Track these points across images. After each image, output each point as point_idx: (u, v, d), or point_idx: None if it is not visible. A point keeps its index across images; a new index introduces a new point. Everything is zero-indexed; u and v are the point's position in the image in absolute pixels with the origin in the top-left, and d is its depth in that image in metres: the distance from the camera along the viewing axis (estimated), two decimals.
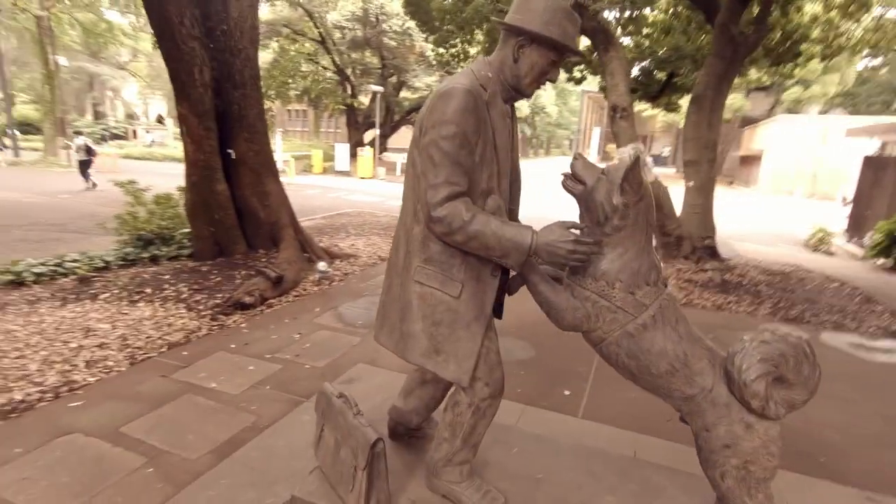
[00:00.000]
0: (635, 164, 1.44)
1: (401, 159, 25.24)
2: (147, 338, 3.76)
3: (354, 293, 5.19)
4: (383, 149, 27.23)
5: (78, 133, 14.68)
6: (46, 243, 6.99)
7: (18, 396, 2.92)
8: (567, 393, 3.31)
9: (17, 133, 13.20)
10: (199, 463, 2.44)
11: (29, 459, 2.40)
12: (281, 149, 19.73)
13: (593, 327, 1.53)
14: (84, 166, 12.82)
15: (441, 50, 12.88)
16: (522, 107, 22.86)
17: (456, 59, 13.49)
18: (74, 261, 5.24)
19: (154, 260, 5.53)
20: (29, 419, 2.75)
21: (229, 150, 5.53)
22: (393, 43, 19.83)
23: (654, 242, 1.55)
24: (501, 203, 1.55)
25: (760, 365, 1.34)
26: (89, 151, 12.90)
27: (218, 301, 4.47)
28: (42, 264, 5.06)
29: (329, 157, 21.22)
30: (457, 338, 1.55)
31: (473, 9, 6.77)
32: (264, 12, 21.65)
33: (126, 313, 4.17)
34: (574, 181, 1.55)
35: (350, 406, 1.77)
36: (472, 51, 12.93)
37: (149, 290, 4.66)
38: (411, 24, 16.00)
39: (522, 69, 1.50)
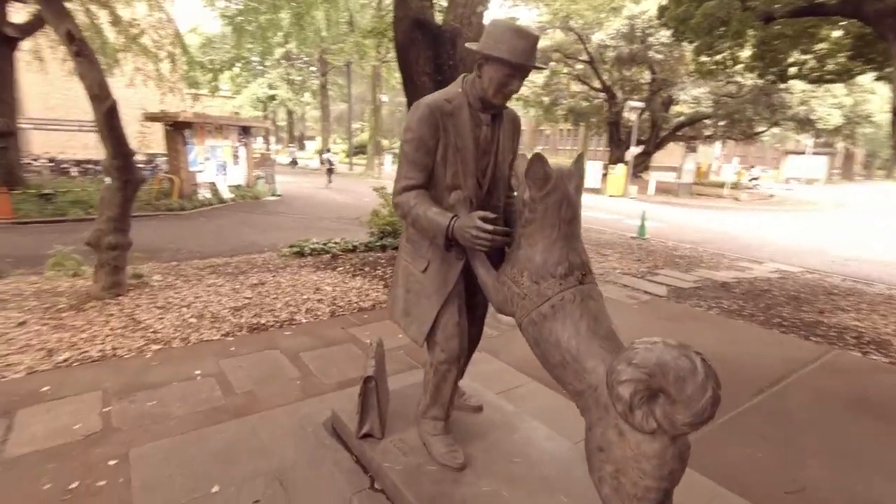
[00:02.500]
0: (534, 161, 1.51)
1: (662, 177, 23.51)
2: (348, 301, 5.01)
3: None
4: (645, 167, 25.82)
5: (327, 150, 22.23)
6: (338, 230, 9.58)
7: (263, 321, 4.44)
8: None
9: (332, 158, 19.94)
10: (327, 387, 3.33)
11: (247, 357, 3.73)
12: None
13: (511, 310, 1.64)
14: (329, 173, 19.73)
15: (704, 58, 11.71)
16: (833, 116, 18.24)
17: (720, 67, 12.03)
18: (336, 243, 7.18)
19: (383, 248, 7.07)
20: (261, 335, 4.17)
21: None
22: (660, 56, 18.72)
23: (574, 238, 1.53)
24: (463, 196, 1.81)
25: (631, 369, 1.24)
26: (330, 162, 19.84)
27: None
28: (317, 243, 7.13)
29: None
30: (420, 305, 1.89)
31: (702, 14, 6.16)
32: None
33: (346, 283, 5.60)
34: (516, 179, 1.69)
35: (374, 353, 2.28)
36: (744, 54, 11.34)
37: (367, 269, 6.09)
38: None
39: (485, 83, 1.74)
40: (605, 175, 20.56)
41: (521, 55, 1.67)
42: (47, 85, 16.14)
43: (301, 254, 6.87)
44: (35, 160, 15.08)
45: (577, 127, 35.15)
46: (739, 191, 21.58)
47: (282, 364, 3.65)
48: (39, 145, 17.80)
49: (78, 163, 15.57)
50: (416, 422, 2.11)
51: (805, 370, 3.88)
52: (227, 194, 13.66)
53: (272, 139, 36.91)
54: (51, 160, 15.51)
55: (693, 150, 20.99)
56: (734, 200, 20.03)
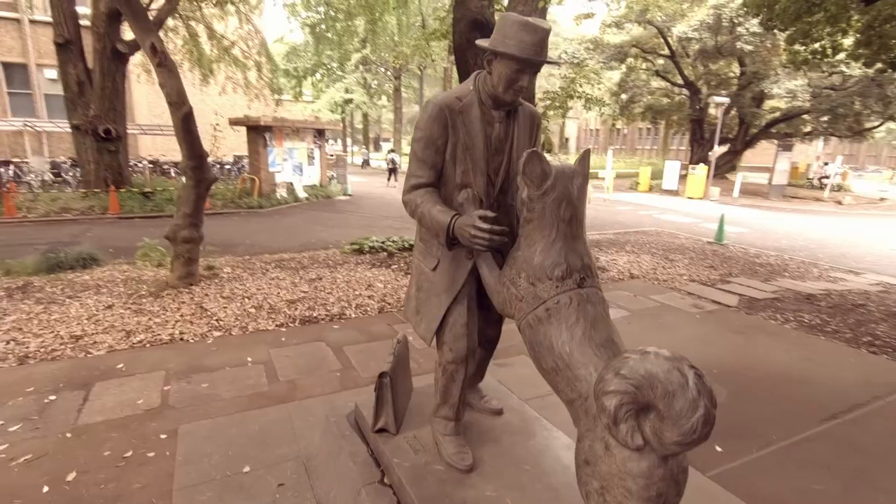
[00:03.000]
0: (531, 158, 1.44)
1: (751, 178, 21.70)
2: (397, 299, 5.12)
3: None
4: (732, 167, 23.95)
5: (392, 151, 22.56)
6: (399, 229, 9.81)
7: (315, 314, 4.65)
8: (719, 450, 2.74)
9: (396, 158, 20.35)
10: (364, 380, 3.43)
11: (294, 348, 3.92)
12: (611, 166, 20.25)
13: (511, 312, 1.58)
14: (390, 172, 20.29)
15: (798, 47, 10.66)
16: None
17: (817, 56, 10.88)
18: (393, 242, 7.35)
19: None
20: (311, 328, 4.37)
21: None
22: (750, 47, 17.22)
23: (578, 240, 1.44)
24: (472, 195, 1.78)
25: (618, 380, 1.15)
26: (394, 162, 20.30)
27: None
28: (376, 241, 7.35)
29: (659, 175, 20.35)
30: (430, 303, 1.89)
31: None
32: (612, 37, 22.53)
33: (398, 280, 5.72)
34: (520, 177, 1.63)
35: (393, 349, 2.31)
36: (846, 42, 10.18)
37: None
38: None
39: (495, 79, 1.71)
40: (683, 176, 19.31)
41: (528, 50, 1.62)
42: (154, 94, 17.93)
43: (360, 251, 7.11)
44: (139, 162, 16.83)
45: (656, 125, 33.39)
46: (843, 193, 19.39)
47: (326, 356, 3.80)
48: (146, 149, 19.86)
49: (175, 164, 17.17)
50: (430, 421, 2.11)
51: (893, 397, 3.42)
52: (302, 193, 14.44)
53: (349, 141, 38.44)
54: (151, 162, 17.24)
55: (787, 148, 19.06)
56: (836, 204, 18.03)
